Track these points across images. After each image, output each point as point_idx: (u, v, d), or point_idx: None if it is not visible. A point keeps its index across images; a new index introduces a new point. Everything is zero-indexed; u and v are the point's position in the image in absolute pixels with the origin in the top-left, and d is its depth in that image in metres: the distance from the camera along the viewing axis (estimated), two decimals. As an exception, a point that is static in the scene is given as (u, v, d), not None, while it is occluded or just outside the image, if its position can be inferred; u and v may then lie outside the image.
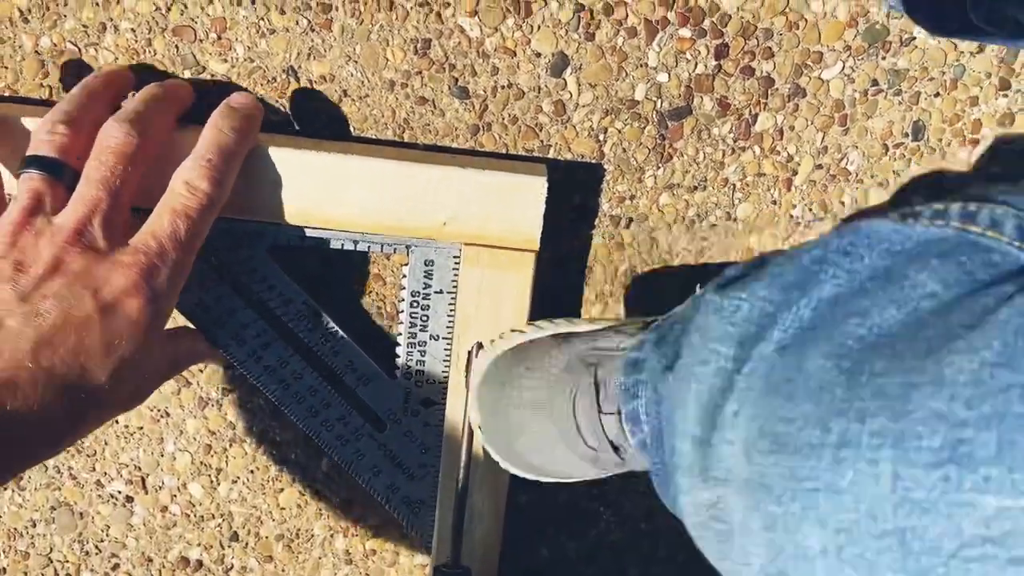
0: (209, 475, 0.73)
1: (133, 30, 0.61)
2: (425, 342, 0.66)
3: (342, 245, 0.64)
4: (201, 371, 0.70)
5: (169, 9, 0.60)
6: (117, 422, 0.71)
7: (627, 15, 0.61)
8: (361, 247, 0.64)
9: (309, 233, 0.63)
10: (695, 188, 0.66)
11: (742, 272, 0.40)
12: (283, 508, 0.74)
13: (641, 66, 0.62)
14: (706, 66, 0.62)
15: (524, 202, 0.61)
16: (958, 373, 0.28)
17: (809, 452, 0.30)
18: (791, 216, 0.67)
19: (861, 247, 0.35)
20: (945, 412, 0.28)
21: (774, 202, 0.67)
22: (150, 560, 0.76)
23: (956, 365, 0.28)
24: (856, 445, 0.29)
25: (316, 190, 0.61)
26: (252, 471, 0.73)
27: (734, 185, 0.66)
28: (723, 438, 0.34)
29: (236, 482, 0.73)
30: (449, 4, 0.60)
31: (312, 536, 0.75)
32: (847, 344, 0.31)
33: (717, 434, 0.34)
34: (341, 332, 0.67)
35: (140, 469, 0.73)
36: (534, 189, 0.61)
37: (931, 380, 0.29)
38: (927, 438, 0.28)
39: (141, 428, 0.72)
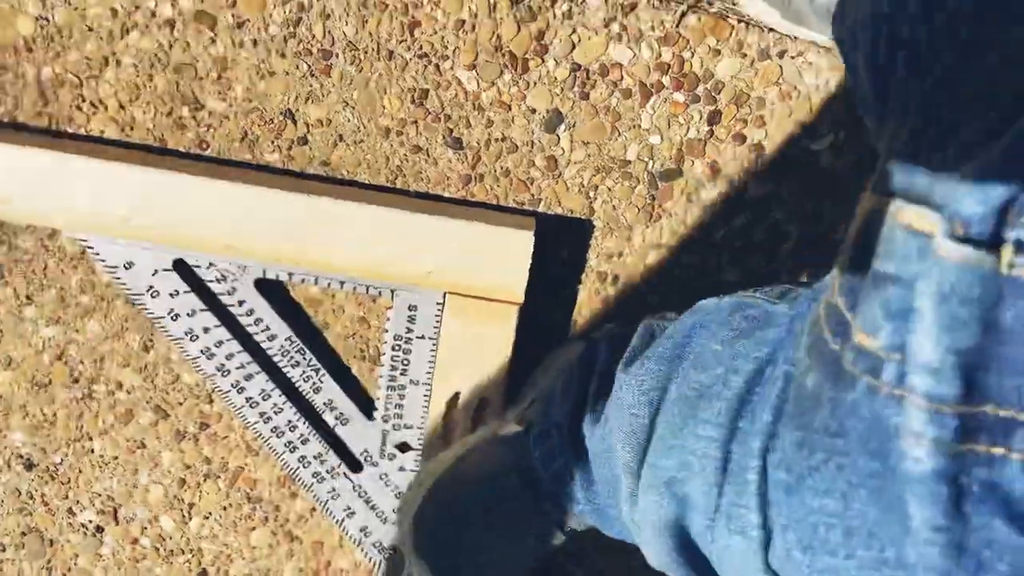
0: (181, 509, 0.72)
1: (135, 65, 0.61)
2: (405, 386, 0.66)
3: (328, 284, 0.64)
4: (180, 404, 0.70)
5: (172, 46, 0.61)
6: (92, 451, 0.71)
7: (623, 76, 0.61)
8: (347, 287, 0.65)
9: (297, 270, 0.63)
10: (683, 250, 0.66)
11: (637, 351, 0.50)
12: (254, 547, 0.73)
13: (634, 127, 0.63)
14: (698, 131, 0.63)
15: (510, 255, 0.61)
16: (685, 432, 0.41)
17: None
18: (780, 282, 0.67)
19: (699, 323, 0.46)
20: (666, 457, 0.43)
21: (762, 268, 0.67)
22: (117, 592, 0.75)
23: (690, 430, 0.41)
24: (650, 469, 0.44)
25: (306, 232, 0.61)
26: (225, 508, 0.72)
27: (722, 250, 0.66)
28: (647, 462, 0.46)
29: (208, 518, 0.73)
30: (448, 57, 0.61)
31: (281, 576, 0.74)
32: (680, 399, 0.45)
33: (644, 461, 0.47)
34: (323, 370, 0.66)
35: (113, 499, 0.72)
36: (521, 243, 0.61)
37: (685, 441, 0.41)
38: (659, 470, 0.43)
39: (116, 458, 0.71)
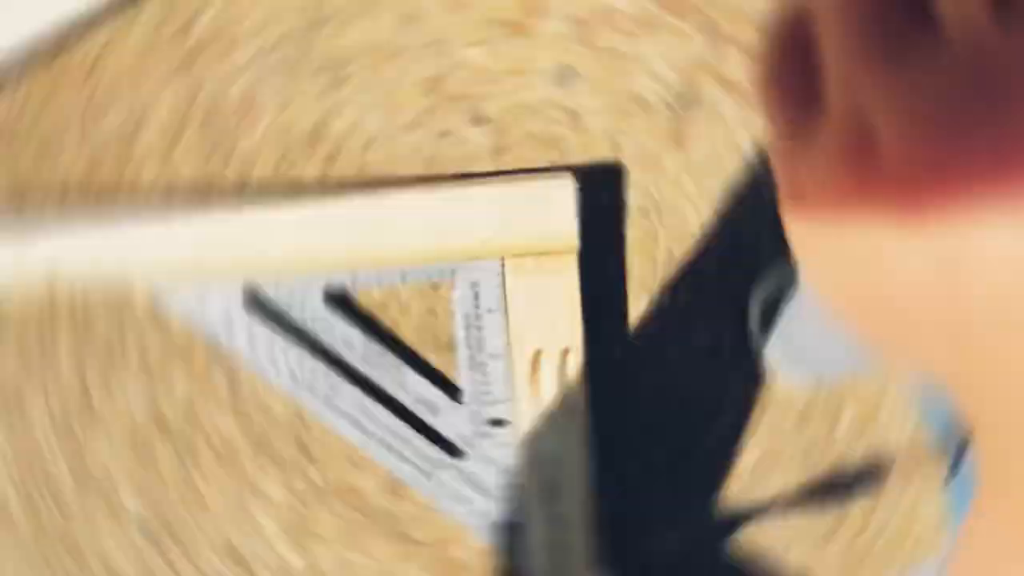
0: (298, 537, 0.74)
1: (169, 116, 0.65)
2: (485, 363, 0.68)
3: (390, 283, 0.67)
4: (278, 434, 0.72)
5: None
6: (203, 498, 0.73)
7: (622, 18, 0.64)
8: (410, 279, 0.67)
9: (359, 276, 0.66)
10: (715, 166, 0.68)
11: None
12: (376, 558, 0.75)
13: (642, 62, 0.65)
14: (703, 51, 0.65)
15: (555, 204, 0.64)
16: None
17: None
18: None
19: None
20: None
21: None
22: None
23: None
24: None
25: (358, 235, 0.64)
26: (339, 526, 0.74)
27: (750, 158, 0.68)
28: None
29: (326, 540, 0.74)
30: (450, 40, 0.64)
31: None
32: None
33: None
34: (405, 365, 0.69)
35: (232, 543, 0.74)
36: (562, 190, 0.63)
37: None
38: None
39: (227, 502, 0.73)
